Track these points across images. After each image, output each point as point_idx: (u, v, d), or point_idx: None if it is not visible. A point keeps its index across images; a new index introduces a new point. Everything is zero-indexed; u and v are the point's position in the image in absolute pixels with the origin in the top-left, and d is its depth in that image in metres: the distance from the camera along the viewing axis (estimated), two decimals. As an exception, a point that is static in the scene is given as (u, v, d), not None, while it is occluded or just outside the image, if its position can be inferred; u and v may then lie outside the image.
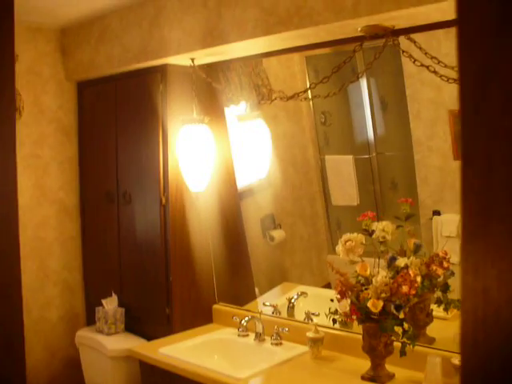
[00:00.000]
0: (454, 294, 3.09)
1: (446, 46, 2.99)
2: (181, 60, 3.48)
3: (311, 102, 4.11)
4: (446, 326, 3.12)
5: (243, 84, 3.81)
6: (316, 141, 4.23)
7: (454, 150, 3.45)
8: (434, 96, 3.50)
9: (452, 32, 3.19)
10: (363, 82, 3.88)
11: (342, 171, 4.08)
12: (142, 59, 3.55)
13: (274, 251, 4.14)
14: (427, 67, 2.62)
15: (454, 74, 2.64)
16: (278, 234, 4.09)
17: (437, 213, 3.52)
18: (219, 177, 3.75)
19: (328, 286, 4.07)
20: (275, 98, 3.28)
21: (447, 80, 2.59)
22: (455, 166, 3.45)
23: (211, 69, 3.57)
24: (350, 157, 4.01)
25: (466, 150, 0.90)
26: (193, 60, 3.41)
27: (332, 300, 3.24)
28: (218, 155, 3.61)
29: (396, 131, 4.03)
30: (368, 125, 4.02)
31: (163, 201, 3.64)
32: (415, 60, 2.65)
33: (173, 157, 3.61)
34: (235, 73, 3.78)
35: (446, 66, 2.66)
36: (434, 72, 2.61)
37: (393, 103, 3.99)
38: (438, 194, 3.56)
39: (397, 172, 4.04)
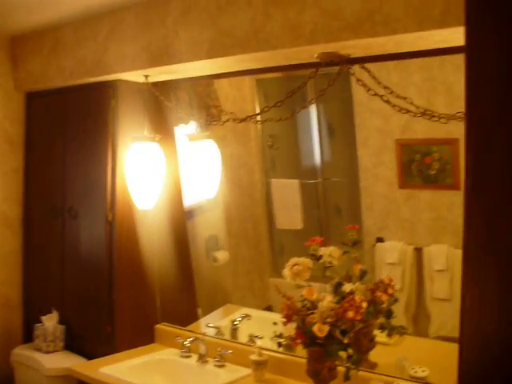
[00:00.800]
0: (397, 320, 3.14)
1: (395, 76, 3.05)
2: (134, 76, 3.44)
3: (260, 126, 4.14)
4: (388, 351, 3.16)
5: (193, 104, 3.81)
6: (263, 164, 4.26)
7: (399, 178, 3.51)
8: (381, 125, 3.57)
9: (402, 63, 3.27)
10: (312, 108, 3.93)
11: (288, 195, 4.10)
12: (95, 73, 3.50)
13: (217, 272, 4.13)
14: (381, 96, 2.65)
15: (405, 105, 2.68)
16: (221, 255, 4.08)
17: (380, 240, 3.57)
18: (167, 195, 3.71)
19: (269, 308, 4.07)
20: (227, 120, 3.28)
21: (400, 110, 2.64)
22: (400, 194, 3.52)
23: (163, 87, 3.54)
24: (296, 181, 4.05)
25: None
26: (146, 77, 3.38)
27: (275, 323, 3.23)
28: (167, 174, 3.58)
29: (343, 158, 4.08)
30: (315, 150, 4.07)
31: (110, 217, 3.58)
32: (369, 89, 2.68)
33: (121, 173, 3.56)
34: (186, 92, 3.78)
35: (398, 97, 2.69)
36: (387, 102, 2.64)
37: (341, 130, 4.05)
38: (383, 221, 3.61)
39: (342, 198, 4.09)
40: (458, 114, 2.51)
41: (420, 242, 3.45)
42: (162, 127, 3.61)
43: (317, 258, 2.94)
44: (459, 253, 3.23)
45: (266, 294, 4.17)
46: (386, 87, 2.70)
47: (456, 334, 3.32)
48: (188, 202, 3.93)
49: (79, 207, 3.79)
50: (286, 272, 2.94)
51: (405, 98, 2.67)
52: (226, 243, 4.14)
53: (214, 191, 3.71)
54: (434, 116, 2.56)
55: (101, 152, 3.64)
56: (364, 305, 2.77)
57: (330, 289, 2.93)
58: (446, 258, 3.33)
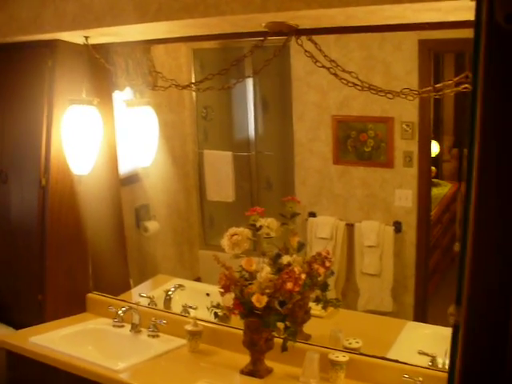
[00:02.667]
0: (332, 293, 3.19)
1: (335, 52, 3.05)
2: (74, 37, 3.31)
3: (194, 96, 4.09)
4: (322, 323, 3.21)
5: (130, 70, 3.72)
6: (196, 134, 4.22)
7: (334, 154, 3.54)
8: (319, 100, 3.59)
9: (342, 40, 3.28)
10: (248, 81, 3.90)
11: (220, 167, 4.09)
12: (31, 31, 3.34)
13: (147, 242, 4.09)
14: (328, 69, 2.65)
15: (351, 79, 2.69)
16: (152, 226, 4.05)
17: (312, 214, 3.60)
18: (102, 161, 3.61)
19: (198, 280, 4.06)
20: (169, 86, 3.20)
21: (347, 83, 2.64)
22: (334, 169, 3.56)
23: (103, 50, 3.43)
24: (229, 153, 4.05)
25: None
26: (86, 38, 3.26)
27: (208, 294, 3.23)
28: (103, 139, 3.48)
29: (277, 132, 4.09)
30: (250, 123, 4.07)
31: (43, 182, 3.46)
32: (317, 61, 2.67)
33: (57, 137, 3.43)
34: (123, 58, 3.68)
35: (343, 71, 2.70)
36: (335, 74, 2.65)
37: (277, 104, 4.05)
38: (315, 196, 3.64)
39: (274, 172, 4.10)
40: (404, 91, 2.55)
41: (352, 218, 3.50)
42: (100, 91, 3.51)
43: (256, 228, 2.92)
44: (389, 229, 3.36)
45: (196, 266, 4.16)
46: (331, 60, 2.70)
47: (383, 308, 3.43)
48: (122, 169, 3.84)
49: (10, 171, 3.64)
50: (225, 242, 2.91)
51: (350, 73, 2.68)
52: (157, 213, 4.10)
53: (150, 159, 3.64)
54: (381, 91, 2.57)
55: (35, 114, 3.50)
56: (303, 276, 2.79)
57: (267, 261, 2.93)
58: (376, 234, 3.40)
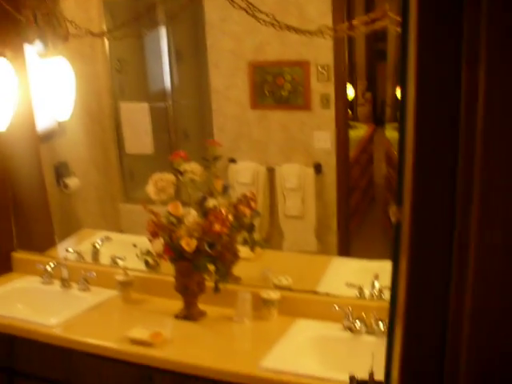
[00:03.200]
0: (260, 231, 3.26)
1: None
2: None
3: (107, 49, 4.03)
4: (249, 265, 3.27)
5: (40, 22, 3.63)
6: (111, 88, 4.15)
7: (251, 99, 3.57)
8: (234, 47, 3.58)
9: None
10: (162, 31, 3.86)
11: (137, 119, 4.06)
12: None
13: (69, 199, 4.04)
14: (245, 10, 2.67)
15: (267, 19, 2.71)
16: (72, 182, 3.99)
17: (233, 160, 3.62)
18: (19, 117, 3.54)
19: (121, 233, 4.05)
20: (83, 35, 3.15)
21: (265, 23, 2.67)
22: (252, 115, 3.58)
23: (11, 2, 3.33)
24: (146, 104, 4.01)
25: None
26: (-7, -11, 3.17)
27: (135, 245, 3.24)
28: (18, 94, 3.40)
29: (194, 80, 4.07)
30: (165, 73, 4.03)
31: (-43, 140, 3.35)
32: (234, 1, 2.68)
33: (-31, 93, 3.33)
34: (30, 10, 3.58)
35: (260, 11, 2.72)
36: (254, 16, 2.67)
37: (192, 52, 4.03)
38: (235, 142, 3.65)
39: (192, 121, 4.10)
40: (321, 27, 2.59)
41: (272, 162, 3.54)
42: (10, 44, 3.40)
43: (180, 172, 2.93)
44: (310, 171, 3.43)
45: (118, 220, 4.14)
46: (248, 3, 2.72)
47: (308, 248, 3.52)
48: (40, 125, 3.77)
49: None
50: (150, 188, 2.92)
51: (266, 14, 2.71)
52: (77, 170, 4.04)
53: (68, 112, 3.58)
54: (298, 30, 2.61)
55: None
56: (230, 217, 2.84)
57: (193, 205, 2.96)
58: (297, 176, 3.45)
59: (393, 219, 1.04)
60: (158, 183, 2.89)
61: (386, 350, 1.37)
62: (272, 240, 3.53)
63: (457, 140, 0.94)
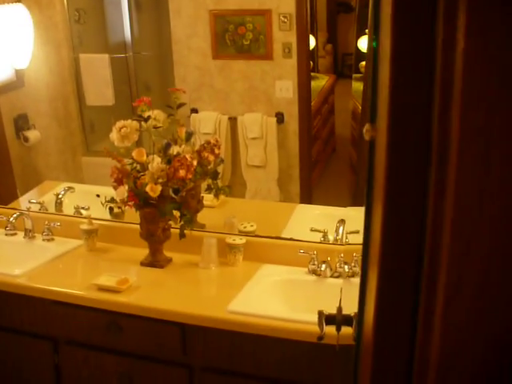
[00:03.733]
0: (222, 181, 3.28)
1: None
2: None
3: None
4: (214, 212, 3.32)
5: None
6: (70, 39, 4.09)
7: (213, 49, 3.56)
8: (195, -5, 3.56)
9: None
10: (120, -21, 3.82)
11: (97, 71, 4.01)
12: None
13: (29, 153, 4.00)
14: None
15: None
16: (32, 135, 3.95)
17: (195, 111, 3.62)
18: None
19: (83, 187, 4.03)
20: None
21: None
22: (213, 64, 3.58)
23: None
24: (106, 56, 3.96)
25: None
26: None
27: (98, 195, 3.23)
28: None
29: (154, 31, 4.05)
30: (125, 23, 3.99)
31: None
32: None
33: None
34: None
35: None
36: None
37: (152, 1, 3.99)
38: (196, 92, 3.64)
39: (153, 72, 4.08)
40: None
41: (234, 112, 3.55)
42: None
43: (144, 119, 2.91)
44: (272, 121, 3.45)
45: (80, 174, 4.12)
46: None
47: (271, 198, 3.55)
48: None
49: None
50: (114, 135, 2.90)
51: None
52: (37, 122, 3.99)
53: (27, 60, 3.53)
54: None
55: None
56: (194, 163, 2.85)
57: (157, 152, 2.96)
58: (259, 126, 3.47)
59: (367, 137, 1.07)
60: (121, 130, 2.87)
61: (360, 289, 1.42)
62: (234, 190, 3.54)
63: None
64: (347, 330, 1.70)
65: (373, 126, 1.06)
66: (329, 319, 1.86)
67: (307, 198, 3.54)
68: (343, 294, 2.13)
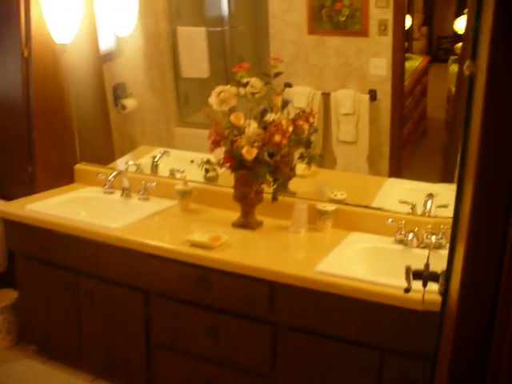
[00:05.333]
0: (315, 149, 3.40)
1: None
2: None
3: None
4: (305, 182, 3.45)
5: None
6: (168, 11, 4.27)
7: (309, 24, 3.66)
8: (293, -30, 3.66)
9: None
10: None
11: (194, 43, 4.16)
12: None
13: (125, 121, 4.23)
14: None
15: None
16: (130, 103, 4.17)
17: (288, 85, 3.74)
18: (83, 33, 3.72)
19: (175, 158, 4.22)
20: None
21: None
22: (308, 40, 3.67)
23: None
24: (203, 29, 4.10)
25: None
26: None
27: (192, 161, 3.43)
28: (82, 9, 3.58)
29: (251, 5, 4.17)
30: (222, -2, 4.11)
31: (25, 53, 3.54)
32: None
33: (36, 5, 3.52)
34: None
35: None
36: None
37: (249, -24, 4.13)
38: (291, 66, 3.73)
39: (249, 46, 4.20)
40: None
41: (327, 87, 3.64)
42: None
43: (243, 84, 3.08)
44: (365, 97, 3.54)
45: (172, 144, 4.29)
46: None
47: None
48: (102, 45, 3.96)
49: (-12, 44, 3.70)
50: (213, 99, 3.08)
51: None
52: (134, 92, 4.21)
53: (130, 28, 3.75)
54: None
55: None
56: (290, 129, 3.00)
57: (253, 119, 3.12)
58: (352, 102, 3.56)
59: (467, 72, 1.20)
60: (220, 94, 3.05)
61: (448, 260, 1.54)
62: (325, 165, 3.63)
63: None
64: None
65: (473, 62, 1.19)
66: (416, 274, 1.98)
67: (396, 176, 3.61)
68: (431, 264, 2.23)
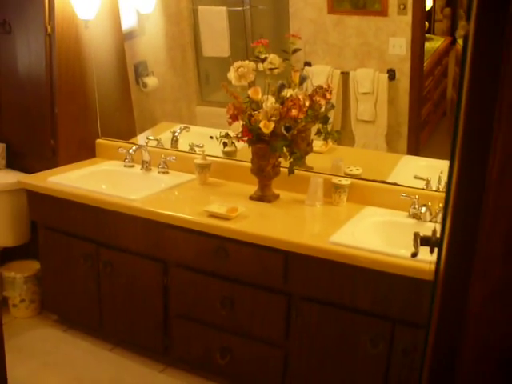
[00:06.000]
0: (333, 127, 3.48)
1: None
2: None
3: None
4: (322, 157, 3.54)
5: None
6: (189, -9, 4.34)
7: (329, 3, 3.72)
8: (313, -51, 3.72)
9: None
10: None
11: (215, 23, 4.23)
12: None
13: (147, 98, 4.32)
14: None
15: None
16: (151, 81, 4.26)
17: (308, 64, 3.80)
18: (105, 10, 3.83)
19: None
20: None
21: None
22: (328, 19, 3.72)
23: None
24: (224, 8, 4.17)
25: None
26: None
27: (211, 137, 3.52)
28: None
29: (271, -16, 4.23)
30: (242, -23, 4.17)
31: (49, 30, 3.65)
32: None
33: (60, -18, 3.62)
34: None
35: None
36: None
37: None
38: (310, 46, 3.79)
39: (269, 26, 4.25)
40: None
41: (346, 66, 3.70)
42: None
43: (261, 60, 3.17)
44: (384, 77, 3.60)
45: (193, 122, 4.37)
46: None
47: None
48: (124, 23, 4.06)
49: (13, 21, 3.82)
50: (232, 74, 3.18)
51: None
52: (155, 70, 4.31)
53: (151, 7, 3.85)
54: None
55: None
56: (307, 103, 3.09)
57: (271, 93, 3.21)
58: (371, 81, 3.61)
59: (462, 33, 1.28)
60: (239, 69, 3.15)
61: (441, 230, 1.63)
62: (343, 143, 3.71)
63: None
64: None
65: (468, 23, 1.26)
66: (424, 240, 2.05)
67: (413, 154, 3.67)
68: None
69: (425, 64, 3.67)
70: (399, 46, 3.54)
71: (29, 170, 3.90)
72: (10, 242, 3.93)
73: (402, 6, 3.46)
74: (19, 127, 3.99)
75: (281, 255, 2.86)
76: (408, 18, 3.46)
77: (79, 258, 3.53)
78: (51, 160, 3.85)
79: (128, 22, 4.11)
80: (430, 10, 3.99)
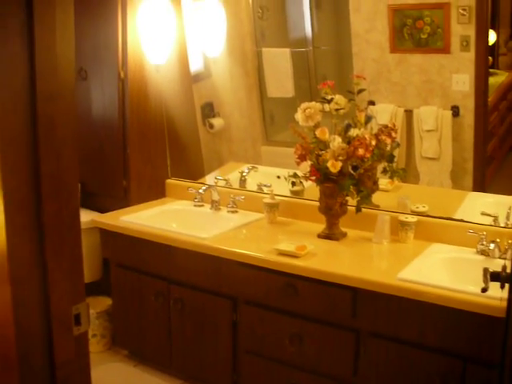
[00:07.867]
0: (397, 165, 3.54)
1: None
2: None
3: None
4: (388, 195, 3.61)
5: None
6: (253, 34, 4.48)
7: (391, 42, 3.81)
8: (374, -10, 3.83)
9: None
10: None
11: (279, 64, 4.37)
12: None
13: (213, 139, 4.47)
14: None
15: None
16: (217, 122, 4.41)
17: (372, 103, 3.88)
18: (174, 55, 4.01)
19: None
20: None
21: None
22: (391, 58, 3.81)
23: None
24: (287, 50, 4.31)
25: None
26: None
27: (278, 177, 3.64)
28: (174, 31, 3.87)
29: (334, 26, 4.34)
30: (306, 19, 4.30)
31: (122, 75, 3.86)
32: None
33: (132, 29, 3.83)
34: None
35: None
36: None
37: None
38: (374, 85, 3.88)
39: (332, 66, 4.37)
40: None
41: (410, 104, 3.77)
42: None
43: (328, 100, 3.29)
44: (448, 114, 3.65)
45: (259, 162, 4.47)
46: None
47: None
48: (192, 66, 4.24)
49: (89, 68, 4.04)
50: (299, 115, 3.30)
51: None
52: (221, 111, 4.46)
53: (219, 50, 4.02)
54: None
55: (109, 9, 3.86)
56: (373, 142, 3.19)
57: (338, 133, 3.31)
58: (435, 118, 3.68)
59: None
60: (306, 110, 3.27)
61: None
62: (408, 181, 3.77)
63: None
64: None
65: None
66: (494, 275, 2.08)
67: (480, 191, 3.67)
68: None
69: (489, 99, 3.70)
70: (463, 83, 3.59)
71: (101, 209, 4.08)
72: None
73: (464, 43, 3.53)
74: (93, 168, 4.18)
75: (349, 292, 2.93)
76: (471, 55, 3.52)
77: (150, 295, 3.66)
78: (123, 200, 4.03)
79: (196, 65, 4.29)
80: (493, 45, 4.02)
